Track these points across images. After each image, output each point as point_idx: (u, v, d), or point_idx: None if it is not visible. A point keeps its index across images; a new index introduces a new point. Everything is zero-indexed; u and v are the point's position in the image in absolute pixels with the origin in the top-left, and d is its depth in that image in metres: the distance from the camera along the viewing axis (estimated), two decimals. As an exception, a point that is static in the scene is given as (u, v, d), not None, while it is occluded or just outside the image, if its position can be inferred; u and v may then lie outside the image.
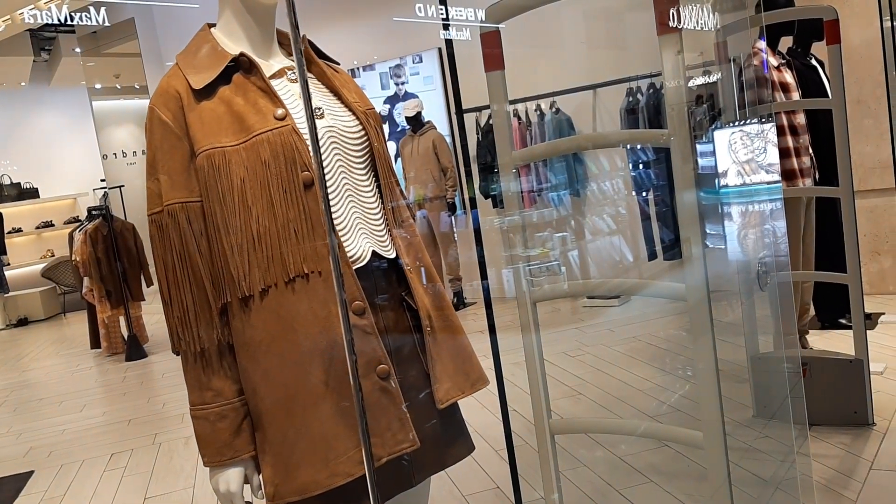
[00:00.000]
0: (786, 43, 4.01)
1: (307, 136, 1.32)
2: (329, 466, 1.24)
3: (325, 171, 1.32)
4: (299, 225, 1.28)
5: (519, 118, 6.24)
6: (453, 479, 3.31)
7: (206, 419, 1.28)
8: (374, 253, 1.36)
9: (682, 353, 4.52)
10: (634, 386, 4.11)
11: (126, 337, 7.02)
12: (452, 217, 6.75)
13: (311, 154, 1.08)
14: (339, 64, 1.52)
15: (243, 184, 1.27)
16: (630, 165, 5.71)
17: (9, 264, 10.52)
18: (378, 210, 1.41)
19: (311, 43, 1.44)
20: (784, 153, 3.56)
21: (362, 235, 1.36)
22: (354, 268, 1.32)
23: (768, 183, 3.02)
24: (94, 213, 7.16)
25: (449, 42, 2.26)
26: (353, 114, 1.40)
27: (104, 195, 9.68)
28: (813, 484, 2.78)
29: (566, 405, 3.99)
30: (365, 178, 1.40)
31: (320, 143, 1.33)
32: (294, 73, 1.39)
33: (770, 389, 3.32)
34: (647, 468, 3.10)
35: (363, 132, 1.40)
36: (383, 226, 1.41)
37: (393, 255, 1.40)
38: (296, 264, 1.27)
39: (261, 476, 1.32)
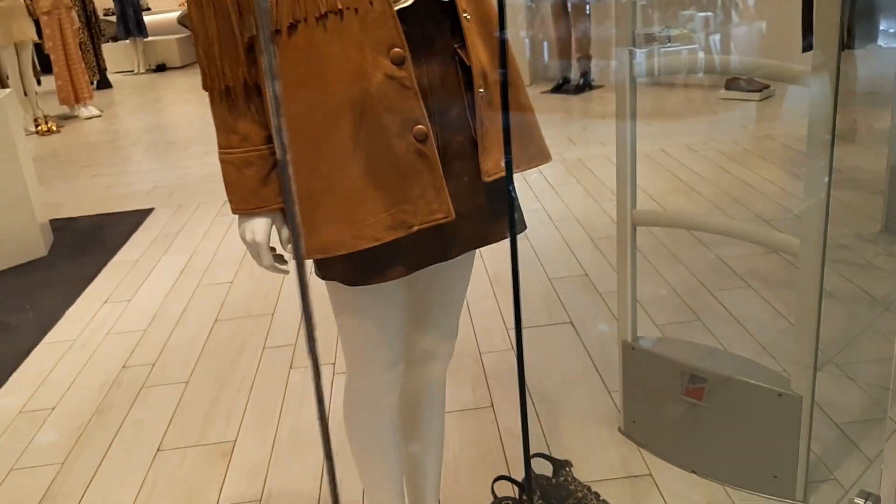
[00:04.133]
0: None
1: None
2: (354, 228, 1.14)
3: None
4: None
5: None
6: (543, 262, 3.24)
7: (232, 164, 1.19)
8: None
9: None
10: (756, 188, 3.82)
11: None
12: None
13: None
14: None
15: None
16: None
17: (148, 9, 10.72)
18: None
19: None
20: None
21: None
22: (397, 8, 1.12)
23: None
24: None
25: None
26: None
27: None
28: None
29: (677, 200, 3.77)
30: None
31: None
32: None
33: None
34: (748, 273, 2.91)
35: None
36: None
37: None
38: None
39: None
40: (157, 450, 2.26)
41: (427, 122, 1.14)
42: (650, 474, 1.94)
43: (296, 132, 1.15)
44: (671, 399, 1.91)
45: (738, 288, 2.82)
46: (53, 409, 2.53)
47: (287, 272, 1.28)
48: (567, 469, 1.84)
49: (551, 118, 5.69)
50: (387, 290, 1.27)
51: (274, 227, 1.25)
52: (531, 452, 1.94)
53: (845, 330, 2.52)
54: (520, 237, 3.58)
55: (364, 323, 1.29)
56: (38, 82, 9.06)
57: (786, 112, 5.16)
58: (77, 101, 7.46)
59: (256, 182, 1.20)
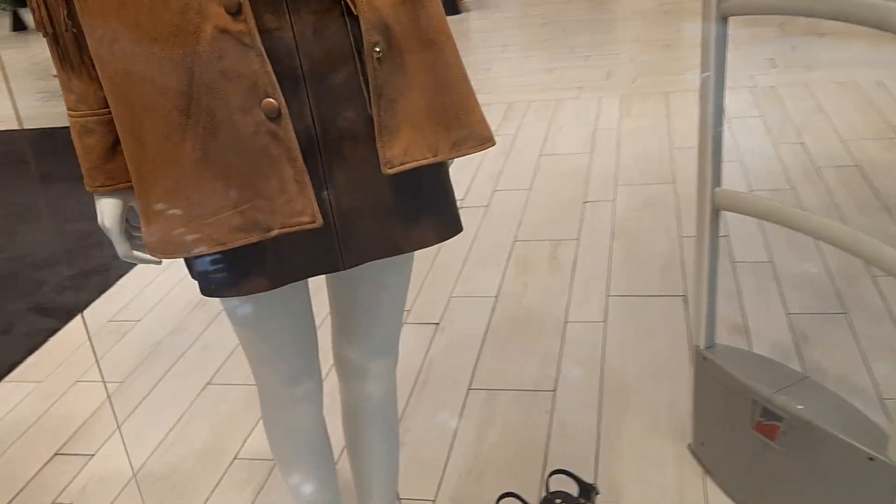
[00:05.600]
0: None
1: None
2: (192, 226, 0.89)
3: None
4: None
5: None
6: (681, 213, 2.78)
7: (74, 129, 0.97)
8: None
9: None
10: None
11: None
12: None
13: None
14: None
15: None
16: None
17: None
18: None
19: None
20: None
21: None
22: None
23: None
24: None
25: None
26: None
27: None
28: None
29: (872, 149, 3.08)
30: None
31: None
32: None
33: None
34: None
35: None
36: None
37: None
38: None
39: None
40: (208, 382, 2.20)
41: (279, 95, 0.84)
42: (705, 513, 1.58)
43: (117, 97, 0.89)
44: (742, 429, 1.51)
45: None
46: (138, 321, 2.56)
47: (157, 262, 1.05)
48: (591, 496, 1.52)
49: (757, 32, 4.92)
50: (270, 300, 1.01)
51: (132, 208, 1.02)
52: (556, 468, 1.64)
53: None
54: (661, 182, 3.04)
55: (250, 334, 1.05)
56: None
57: None
58: None
59: (99, 154, 0.96)
